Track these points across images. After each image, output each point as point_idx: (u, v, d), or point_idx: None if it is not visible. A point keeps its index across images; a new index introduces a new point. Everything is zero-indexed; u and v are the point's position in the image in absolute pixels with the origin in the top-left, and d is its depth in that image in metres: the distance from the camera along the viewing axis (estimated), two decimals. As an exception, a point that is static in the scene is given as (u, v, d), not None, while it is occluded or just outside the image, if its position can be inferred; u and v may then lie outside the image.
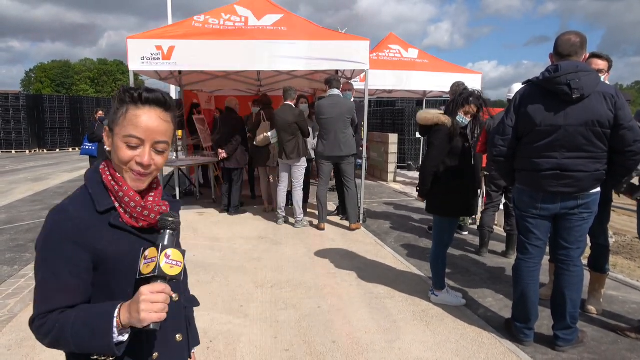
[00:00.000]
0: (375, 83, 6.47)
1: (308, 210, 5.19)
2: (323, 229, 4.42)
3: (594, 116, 1.93)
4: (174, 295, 0.87)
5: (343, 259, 3.59)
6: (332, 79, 4.36)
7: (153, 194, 0.90)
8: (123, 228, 0.84)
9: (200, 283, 3.01)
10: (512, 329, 2.28)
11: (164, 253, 0.79)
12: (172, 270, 0.79)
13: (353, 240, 4.11)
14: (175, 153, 5.98)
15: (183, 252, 0.83)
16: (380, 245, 3.97)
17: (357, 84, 6.22)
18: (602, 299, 2.61)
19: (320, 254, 3.70)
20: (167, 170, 7.68)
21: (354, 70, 5.14)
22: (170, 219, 0.84)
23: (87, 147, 6.18)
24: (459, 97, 2.52)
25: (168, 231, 0.82)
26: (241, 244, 3.98)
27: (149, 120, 0.83)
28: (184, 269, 0.85)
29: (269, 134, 4.76)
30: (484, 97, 2.54)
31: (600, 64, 2.41)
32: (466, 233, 4.40)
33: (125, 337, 0.78)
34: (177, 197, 5.52)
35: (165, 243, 0.80)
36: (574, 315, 2.14)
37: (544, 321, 2.42)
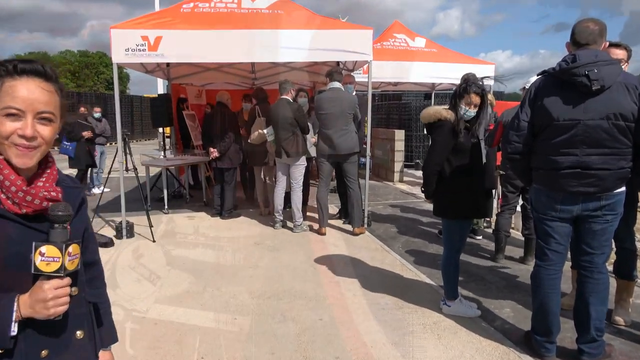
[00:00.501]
0: (380, 75, 6.48)
1: (308, 213, 5.16)
2: (324, 234, 4.43)
3: (617, 109, 1.91)
4: (72, 289, 0.88)
5: (346, 266, 3.59)
6: (333, 71, 4.37)
7: (44, 178, 0.89)
8: (4, 215, 0.84)
9: (190, 294, 3.01)
10: (532, 342, 2.25)
11: (67, 252, 0.82)
12: (71, 265, 0.84)
13: (357, 246, 4.11)
14: (162, 152, 5.96)
15: (79, 243, 0.86)
16: (386, 251, 3.97)
17: (360, 76, 6.21)
18: (630, 308, 2.59)
19: (322, 261, 3.70)
20: (154, 171, 7.71)
21: (356, 61, 5.11)
22: (59, 212, 0.84)
23: (65, 146, 6.16)
24: (458, 87, 2.52)
25: (60, 226, 0.84)
26: (235, 250, 3.98)
27: (27, 90, 0.84)
28: (80, 263, 0.87)
29: (265, 131, 4.74)
30: (484, 83, 2.51)
31: (619, 53, 2.39)
32: (480, 237, 4.40)
33: (16, 331, 0.83)
34: (165, 200, 5.51)
35: (64, 239, 0.83)
36: (600, 327, 2.12)
37: (566, 334, 2.39)
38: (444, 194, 2.59)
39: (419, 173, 8.90)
